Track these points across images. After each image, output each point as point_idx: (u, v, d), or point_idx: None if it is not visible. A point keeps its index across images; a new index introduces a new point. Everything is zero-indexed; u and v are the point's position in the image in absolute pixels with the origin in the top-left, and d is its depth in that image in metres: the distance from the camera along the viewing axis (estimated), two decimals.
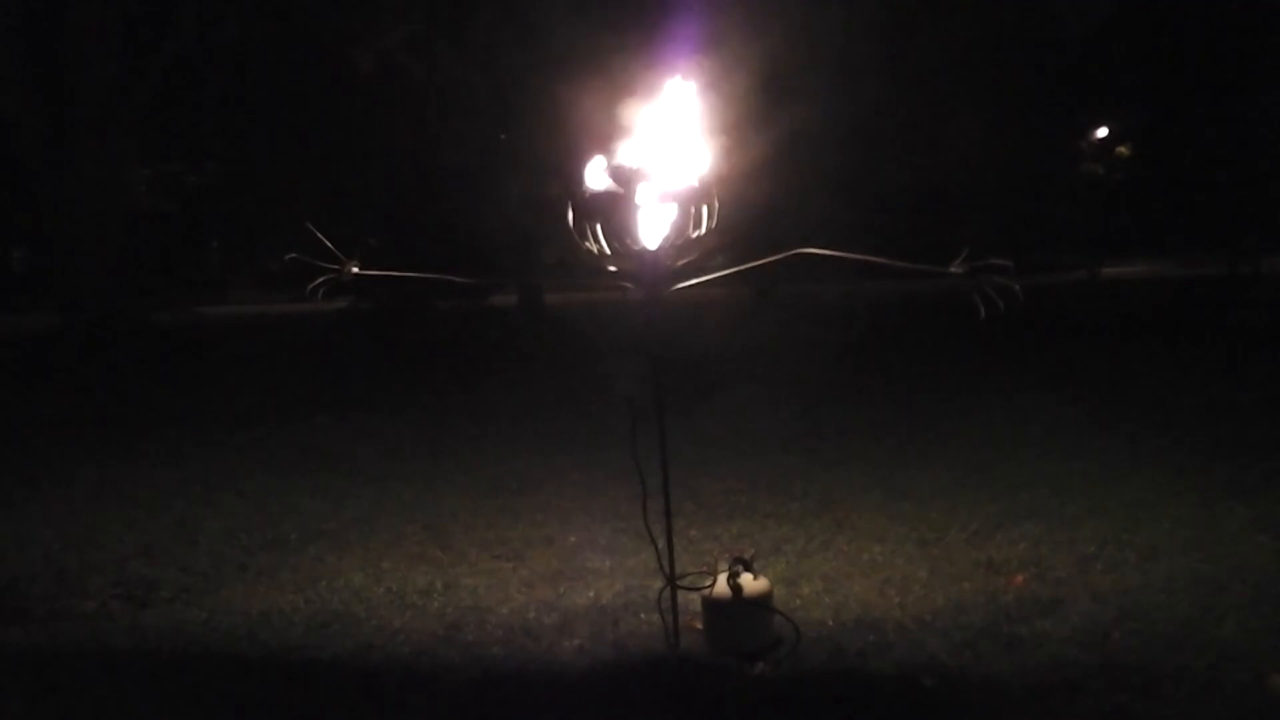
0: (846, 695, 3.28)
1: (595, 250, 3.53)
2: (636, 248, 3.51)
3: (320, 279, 3.82)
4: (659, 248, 3.52)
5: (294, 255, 3.91)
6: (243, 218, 22.37)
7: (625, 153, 3.51)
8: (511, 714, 3.30)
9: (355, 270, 3.80)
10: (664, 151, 3.49)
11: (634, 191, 3.47)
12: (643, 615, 3.98)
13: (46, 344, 14.83)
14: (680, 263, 3.60)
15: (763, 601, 3.61)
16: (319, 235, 3.73)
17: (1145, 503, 5.27)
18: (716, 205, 3.53)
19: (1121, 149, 25.38)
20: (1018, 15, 16.37)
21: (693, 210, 3.49)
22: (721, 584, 3.60)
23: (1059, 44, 17.62)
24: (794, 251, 3.70)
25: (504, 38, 15.24)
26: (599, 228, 3.49)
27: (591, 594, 4.29)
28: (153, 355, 13.55)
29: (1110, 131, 24.94)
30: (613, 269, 3.60)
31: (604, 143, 3.54)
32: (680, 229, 3.50)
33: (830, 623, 3.84)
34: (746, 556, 3.76)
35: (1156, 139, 23.06)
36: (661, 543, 3.67)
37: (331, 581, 4.62)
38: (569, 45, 13.54)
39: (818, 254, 3.68)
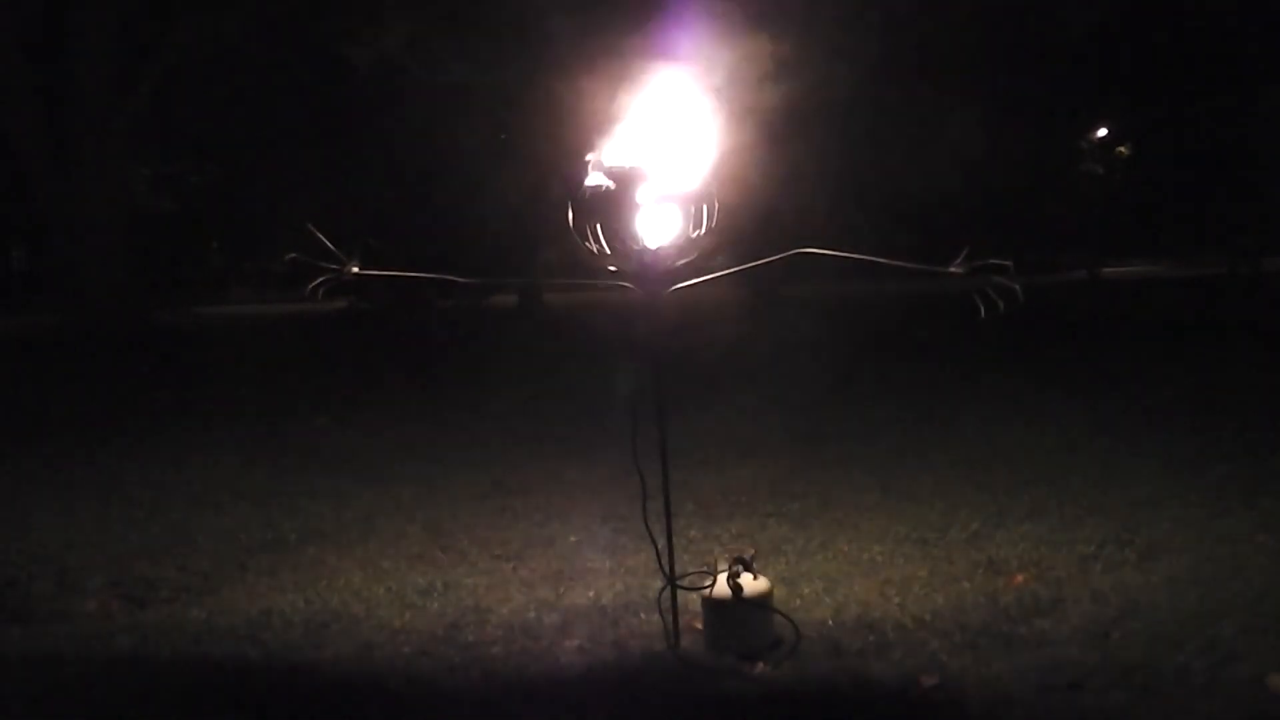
0: (846, 695, 3.28)
1: (595, 250, 3.53)
2: (636, 248, 3.51)
3: (320, 279, 3.81)
4: (659, 248, 3.52)
5: (294, 255, 3.90)
6: (243, 218, 22.37)
7: (624, 152, 3.51)
8: (511, 714, 3.29)
9: (355, 270, 3.80)
10: (664, 151, 3.49)
11: (633, 191, 3.47)
12: (643, 615, 3.96)
13: (46, 344, 14.83)
14: (680, 263, 3.60)
15: (763, 601, 3.61)
16: (319, 235, 3.73)
17: (1145, 503, 5.25)
18: (716, 205, 3.53)
19: (1121, 149, 25.39)
20: (1018, 15, 16.38)
21: (692, 210, 3.49)
22: (722, 584, 3.60)
23: (1059, 44, 17.63)
24: (794, 251, 3.70)
25: (504, 38, 15.24)
26: (599, 228, 3.49)
27: (591, 594, 4.28)
28: (153, 355, 13.54)
29: (1110, 131, 24.94)
30: (613, 269, 3.60)
31: (603, 142, 3.54)
32: (679, 229, 3.50)
33: (830, 623, 3.83)
34: (746, 556, 3.75)
35: (1156, 139, 23.05)
36: (661, 543, 3.67)
37: (331, 581, 4.61)
38: (569, 46, 13.53)
39: (818, 254, 3.69)
